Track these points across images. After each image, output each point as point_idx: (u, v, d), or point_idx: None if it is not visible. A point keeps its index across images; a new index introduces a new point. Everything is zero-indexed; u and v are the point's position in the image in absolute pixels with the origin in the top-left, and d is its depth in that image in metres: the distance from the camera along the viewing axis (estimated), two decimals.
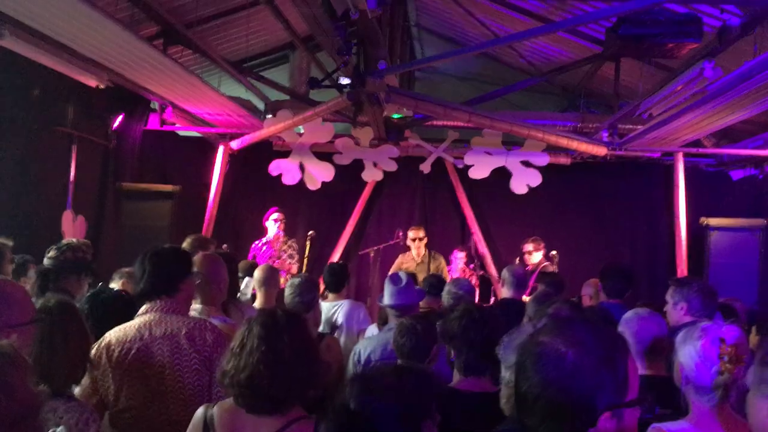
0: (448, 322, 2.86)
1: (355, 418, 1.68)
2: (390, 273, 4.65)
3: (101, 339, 2.80)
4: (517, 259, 7.33)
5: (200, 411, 2.32)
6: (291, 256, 7.14)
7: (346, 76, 4.85)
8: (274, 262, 6.88)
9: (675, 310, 3.59)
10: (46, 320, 2.32)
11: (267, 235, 7.20)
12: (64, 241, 4.08)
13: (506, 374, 2.37)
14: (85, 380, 2.72)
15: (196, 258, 3.89)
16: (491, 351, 2.65)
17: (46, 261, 3.96)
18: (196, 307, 3.35)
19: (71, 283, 3.90)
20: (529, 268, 7.13)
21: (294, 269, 7.11)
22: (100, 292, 3.17)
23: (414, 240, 7.37)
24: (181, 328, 2.78)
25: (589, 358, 1.37)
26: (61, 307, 2.44)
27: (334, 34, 3.99)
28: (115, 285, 4.48)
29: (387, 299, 4.26)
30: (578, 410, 1.37)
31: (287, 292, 4.07)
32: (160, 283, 2.87)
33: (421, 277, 6.77)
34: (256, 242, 7.27)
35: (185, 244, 4.79)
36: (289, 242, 7.26)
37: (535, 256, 7.25)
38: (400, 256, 7.49)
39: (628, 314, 3.05)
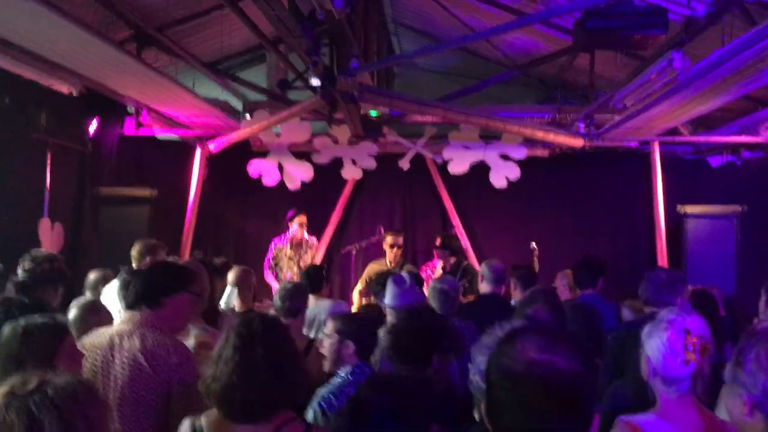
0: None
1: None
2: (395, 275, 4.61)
3: (79, 340, 2.80)
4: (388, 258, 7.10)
5: (186, 423, 2.29)
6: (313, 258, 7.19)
7: (316, 77, 4.84)
8: (296, 262, 6.90)
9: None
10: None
11: (289, 234, 7.21)
12: (39, 253, 4.07)
13: (475, 378, 2.26)
14: None
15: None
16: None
17: (21, 273, 3.94)
18: None
19: (48, 294, 3.90)
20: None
21: None
22: (12, 301, 3.15)
23: (392, 246, 7.12)
24: (147, 345, 2.74)
25: (590, 365, 1.37)
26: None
27: (301, 35, 3.98)
28: (89, 292, 4.45)
29: (390, 300, 4.25)
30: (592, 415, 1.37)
31: (277, 296, 4.06)
32: (143, 294, 2.88)
33: None
34: (277, 239, 7.27)
35: (133, 251, 4.79)
36: (309, 244, 7.25)
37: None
38: (371, 263, 7.27)
39: None
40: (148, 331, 2.78)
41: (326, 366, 3.23)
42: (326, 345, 3.25)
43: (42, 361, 2.22)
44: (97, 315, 3.48)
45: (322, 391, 2.78)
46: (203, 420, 2.27)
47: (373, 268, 7.09)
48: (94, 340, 2.81)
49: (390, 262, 7.13)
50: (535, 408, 1.28)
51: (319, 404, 2.74)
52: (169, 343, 2.80)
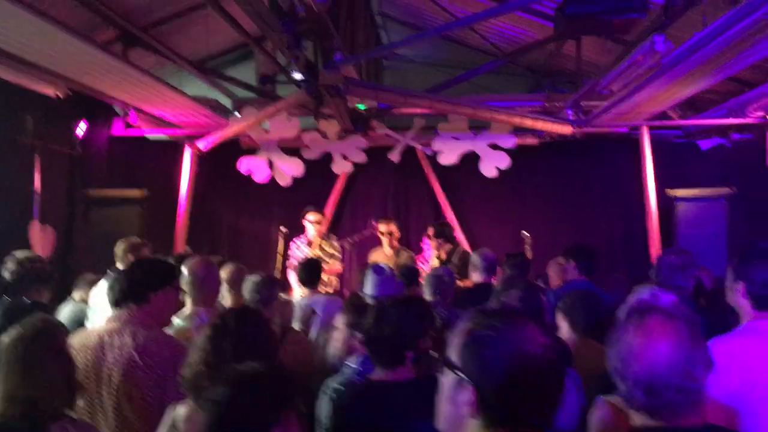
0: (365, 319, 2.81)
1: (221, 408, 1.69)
2: (374, 265, 4.66)
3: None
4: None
5: (169, 410, 2.35)
6: (332, 256, 7.14)
7: (298, 71, 4.84)
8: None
9: None
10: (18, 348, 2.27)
11: (307, 234, 7.20)
12: (22, 254, 4.08)
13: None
14: None
15: (188, 262, 3.93)
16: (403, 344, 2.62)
17: (5, 274, 3.96)
18: (185, 308, 3.58)
19: (32, 295, 3.93)
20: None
21: (339, 269, 7.15)
22: (15, 304, 3.20)
23: (383, 234, 7.20)
24: (139, 341, 2.76)
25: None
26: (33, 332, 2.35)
27: (281, 30, 3.98)
28: (77, 293, 4.48)
29: (369, 289, 4.29)
30: None
31: (246, 289, 4.09)
32: (130, 291, 2.91)
33: None
34: (295, 239, 7.27)
35: (117, 250, 4.84)
36: (330, 242, 7.24)
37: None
38: (373, 252, 7.37)
39: None
40: (138, 328, 2.82)
41: (337, 355, 3.37)
42: (337, 337, 3.41)
43: None
44: None
45: (333, 383, 2.75)
46: (180, 407, 2.31)
47: (374, 257, 7.14)
48: (83, 340, 2.83)
49: (390, 249, 7.17)
50: (548, 388, 1.33)
51: (330, 396, 2.68)
52: (160, 338, 2.86)
